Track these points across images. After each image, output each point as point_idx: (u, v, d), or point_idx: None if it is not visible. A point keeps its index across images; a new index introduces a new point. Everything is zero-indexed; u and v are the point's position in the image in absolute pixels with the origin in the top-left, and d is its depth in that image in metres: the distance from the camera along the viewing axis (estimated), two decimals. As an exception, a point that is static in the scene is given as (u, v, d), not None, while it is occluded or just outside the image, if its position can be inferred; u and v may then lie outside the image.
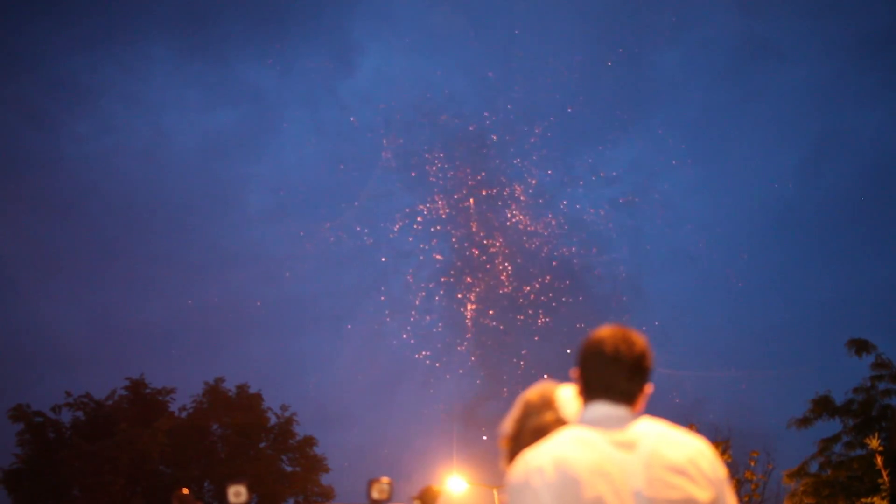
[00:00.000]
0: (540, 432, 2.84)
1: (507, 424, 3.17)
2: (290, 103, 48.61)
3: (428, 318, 41.45)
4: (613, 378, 2.71)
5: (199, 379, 27.18)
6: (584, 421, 2.71)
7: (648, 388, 2.77)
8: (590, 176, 40.03)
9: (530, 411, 3.13)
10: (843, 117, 63.66)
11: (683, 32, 54.67)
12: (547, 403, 3.13)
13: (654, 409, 2.95)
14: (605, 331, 2.79)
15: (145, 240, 57.62)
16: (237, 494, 4.31)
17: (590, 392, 2.75)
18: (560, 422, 2.99)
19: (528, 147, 39.79)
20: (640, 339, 2.77)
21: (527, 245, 40.54)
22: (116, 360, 44.41)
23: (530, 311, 41.10)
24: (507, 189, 40.34)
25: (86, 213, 58.76)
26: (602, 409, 2.69)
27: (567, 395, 3.12)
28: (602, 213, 40.01)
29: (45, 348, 52.56)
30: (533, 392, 3.21)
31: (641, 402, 2.76)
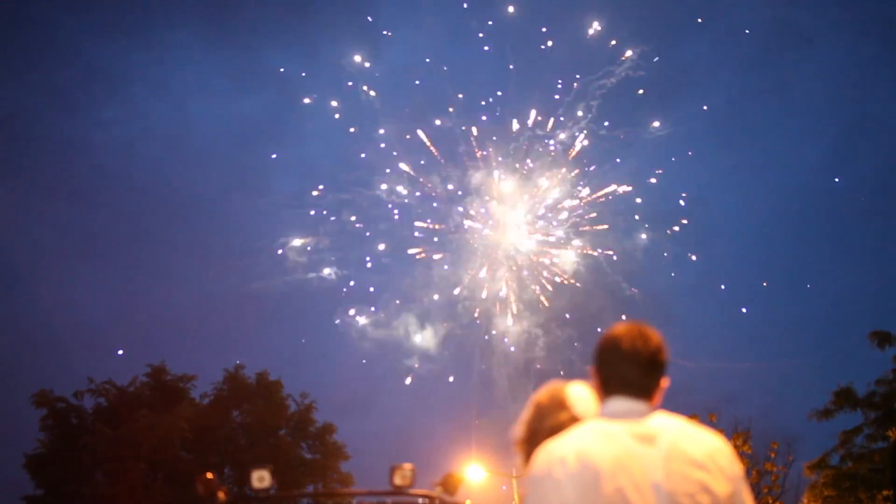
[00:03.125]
0: (556, 432, 2.86)
1: (520, 428, 3.19)
2: (316, 90, 48.62)
3: (447, 323, 41.31)
4: (631, 373, 2.75)
5: (220, 366, 27.30)
6: (603, 415, 2.75)
7: (665, 382, 2.81)
8: (615, 165, 39.61)
9: (543, 413, 3.16)
10: (874, 105, 62.72)
11: (711, 20, 53.97)
12: (559, 404, 3.16)
13: (677, 402, 2.97)
14: (621, 327, 2.84)
15: (170, 226, 57.90)
16: (261, 479, 4.33)
17: (608, 387, 2.79)
18: (575, 420, 3.02)
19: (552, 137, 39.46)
20: (655, 335, 2.82)
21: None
22: (139, 346, 44.67)
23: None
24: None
25: (112, 198, 59.12)
26: (621, 403, 2.73)
27: (578, 393, 3.15)
28: (625, 198, 39.61)
29: (69, 333, 53.03)
30: (543, 394, 3.24)
31: (658, 395, 2.80)
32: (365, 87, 39.74)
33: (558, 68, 39.52)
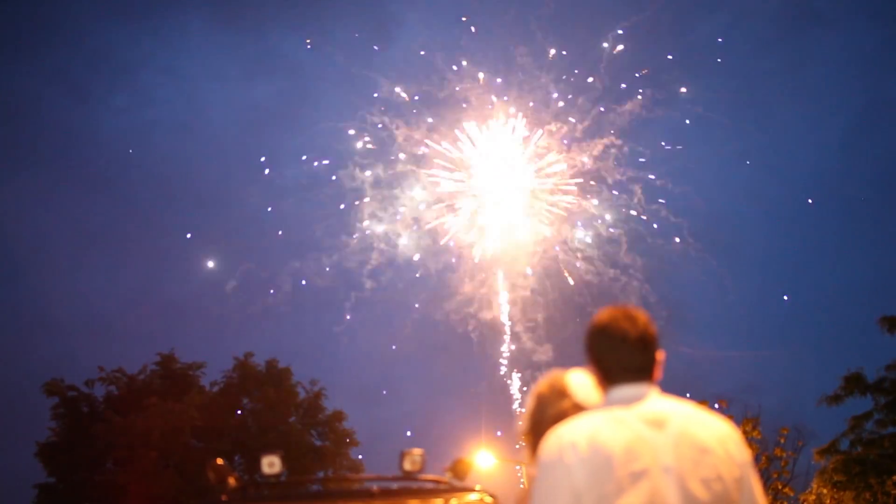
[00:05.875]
0: (559, 421, 2.87)
1: (524, 420, 3.20)
2: (327, 75, 48.54)
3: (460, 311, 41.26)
4: (627, 357, 2.75)
5: (231, 353, 27.40)
6: (610, 403, 2.74)
7: (661, 356, 2.82)
8: (622, 148, 39.35)
9: (545, 403, 3.18)
10: (889, 86, 62.17)
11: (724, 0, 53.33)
12: (560, 392, 3.18)
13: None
14: (605, 314, 2.84)
15: (180, 213, 57.99)
16: (271, 465, 4.33)
17: (609, 376, 2.79)
18: (578, 407, 3.03)
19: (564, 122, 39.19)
20: (640, 313, 2.82)
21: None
22: (150, 334, 44.93)
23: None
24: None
25: (122, 185, 59.31)
26: (625, 390, 2.73)
27: (578, 380, 3.16)
28: (638, 187, 39.36)
29: (80, 321, 53.30)
30: (543, 384, 3.26)
31: (658, 371, 2.80)
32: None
33: (567, 54, 39.22)
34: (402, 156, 39.58)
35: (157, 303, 54.94)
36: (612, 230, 40.40)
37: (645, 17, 39.03)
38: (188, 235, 56.55)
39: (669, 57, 39.93)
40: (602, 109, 39.03)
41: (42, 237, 55.07)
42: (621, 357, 2.75)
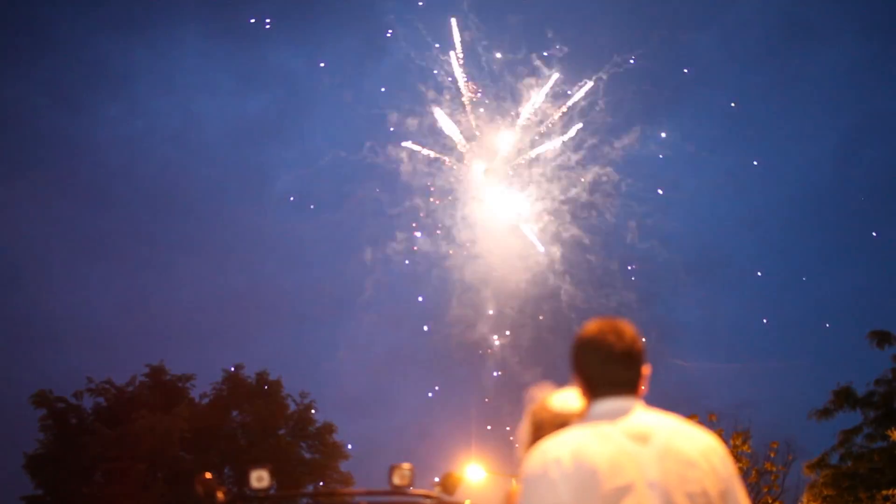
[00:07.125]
0: (544, 431, 2.89)
1: (522, 438, 3.22)
2: (321, 88, 48.39)
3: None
4: (612, 371, 2.73)
5: (222, 365, 27.33)
6: (593, 417, 2.71)
7: (646, 370, 2.79)
8: (616, 167, 39.51)
9: (537, 421, 3.18)
10: (882, 101, 62.28)
11: (718, 13, 53.36)
12: (547, 409, 3.18)
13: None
14: (592, 327, 2.82)
15: (174, 224, 57.73)
16: (259, 479, 4.33)
17: (593, 389, 2.76)
18: (558, 417, 3.04)
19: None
20: (627, 327, 2.80)
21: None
22: (142, 345, 44.68)
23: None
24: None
25: (116, 196, 58.84)
26: (609, 403, 2.71)
27: (564, 398, 3.17)
28: (631, 199, 39.50)
29: (69, 331, 52.98)
30: (534, 403, 3.27)
31: (643, 385, 2.78)
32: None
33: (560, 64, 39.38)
34: (400, 178, 39.65)
35: (147, 314, 54.72)
36: (604, 255, 40.56)
37: (641, 53, 39.22)
38: (180, 247, 56.43)
39: (666, 92, 40.10)
40: (597, 141, 39.33)
41: (33, 247, 54.82)
42: (607, 371, 2.72)
